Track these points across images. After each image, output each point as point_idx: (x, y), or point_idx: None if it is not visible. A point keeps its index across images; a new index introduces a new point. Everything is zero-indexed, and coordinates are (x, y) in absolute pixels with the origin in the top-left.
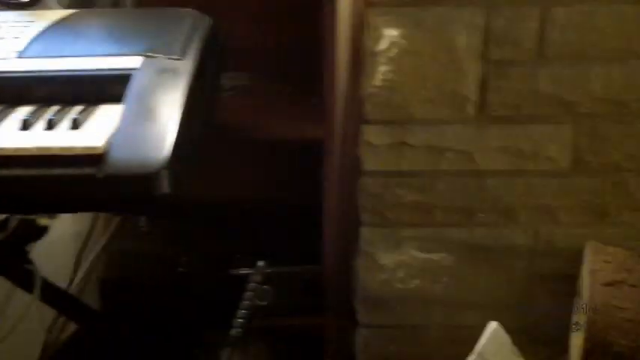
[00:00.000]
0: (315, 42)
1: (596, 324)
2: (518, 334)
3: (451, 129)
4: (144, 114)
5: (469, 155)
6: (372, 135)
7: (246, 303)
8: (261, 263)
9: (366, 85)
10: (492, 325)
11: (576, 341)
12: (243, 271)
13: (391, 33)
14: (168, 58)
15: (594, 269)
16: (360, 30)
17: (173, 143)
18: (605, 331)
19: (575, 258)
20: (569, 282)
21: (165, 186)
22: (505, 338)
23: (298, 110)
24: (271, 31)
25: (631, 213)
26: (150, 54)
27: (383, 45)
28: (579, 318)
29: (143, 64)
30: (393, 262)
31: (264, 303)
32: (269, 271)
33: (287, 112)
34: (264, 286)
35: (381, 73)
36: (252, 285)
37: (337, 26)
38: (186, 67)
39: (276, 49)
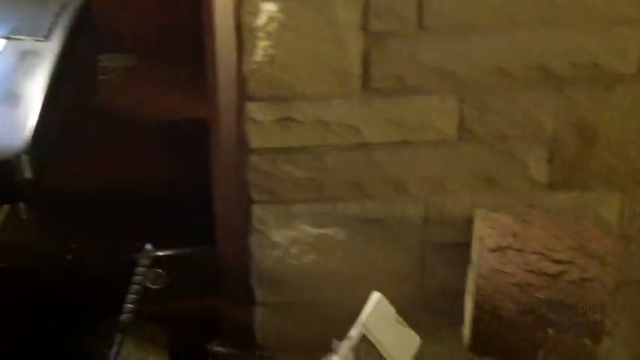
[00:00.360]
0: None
1: (484, 290)
2: (415, 304)
3: (336, 103)
4: (2, 98)
5: (356, 129)
6: (257, 112)
7: (135, 287)
8: (149, 246)
9: (247, 61)
10: (376, 296)
11: (469, 307)
12: (132, 255)
13: (269, 7)
14: (33, 40)
15: (481, 236)
16: (240, 5)
17: (34, 127)
18: (493, 296)
19: (467, 226)
20: (462, 250)
21: (26, 171)
22: (389, 308)
23: (187, 90)
24: (159, 11)
25: (517, 179)
26: (12, 36)
27: (261, 20)
28: (470, 285)
29: (5, 46)
30: (286, 239)
31: (157, 286)
32: (158, 254)
33: (176, 92)
34: (157, 270)
35: (261, 48)
36: (140, 269)
37: (216, 2)
38: (51, 48)
39: (164, 29)
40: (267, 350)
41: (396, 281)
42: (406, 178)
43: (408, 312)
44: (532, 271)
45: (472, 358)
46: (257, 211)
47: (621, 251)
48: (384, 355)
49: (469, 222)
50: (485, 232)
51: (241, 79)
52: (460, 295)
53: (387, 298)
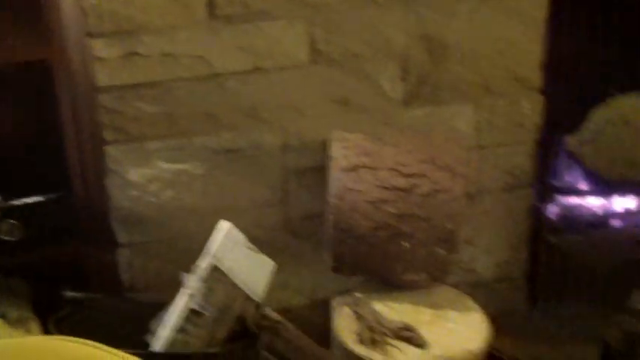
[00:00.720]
0: None
1: (340, 209)
2: (280, 231)
3: (183, 34)
4: None
5: (205, 59)
6: (102, 49)
7: None
8: None
9: None
10: (224, 225)
11: (328, 229)
12: None
13: None
14: None
15: (335, 157)
16: None
17: None
18: (349, 214)
19: (325, 149)
20: (322, 174)
21: None
22: (239, 236)
23: (31, 31)
24: None
25: (372, 99)
26: None
27: None
28: (327, 205)
29: None
30: (144, 177)
31: (14, 238)
32: (10, 204)
33: (18, 34)
34: (11, 221)
35: None
36: None
37: None
38: None
39: None
40: (135, 291)
41: (259, 210)
42: (261, 105)
43: (274, 239)
44: (385, 187)
45: (337, 280)
46: (111, 151)
47: (475, 161)
48: (237, 283)
49: (325, 145)
50: (340, 153)
51: (83, 15)
52: (323, 219)
53: (251, 227)
